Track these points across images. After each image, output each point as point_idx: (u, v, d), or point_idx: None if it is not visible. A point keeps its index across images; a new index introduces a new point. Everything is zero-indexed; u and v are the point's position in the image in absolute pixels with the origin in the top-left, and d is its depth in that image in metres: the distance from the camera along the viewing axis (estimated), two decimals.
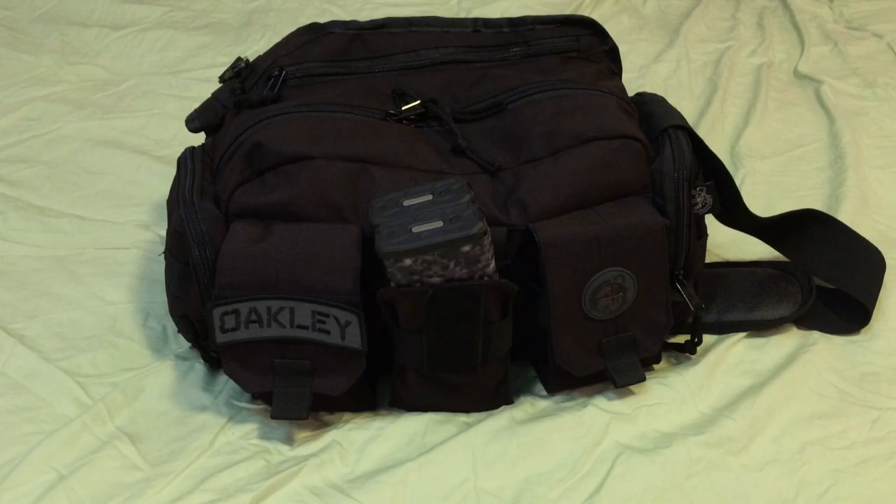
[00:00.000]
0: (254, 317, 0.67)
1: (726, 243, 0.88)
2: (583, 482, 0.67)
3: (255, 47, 1.28)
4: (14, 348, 0.80)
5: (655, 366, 0.76)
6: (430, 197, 0.66)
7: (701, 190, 0.73)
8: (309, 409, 0.68)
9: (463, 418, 0.73)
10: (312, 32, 0.82)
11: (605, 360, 0.71)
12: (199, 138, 0.83)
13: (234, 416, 0.74)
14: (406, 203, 0.66)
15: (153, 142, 1.10)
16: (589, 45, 0.83)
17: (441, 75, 0.80)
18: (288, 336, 0.67)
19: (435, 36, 0.82)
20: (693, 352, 0.77)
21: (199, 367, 0.78)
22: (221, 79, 0.81)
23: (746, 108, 1.14)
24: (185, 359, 0.79)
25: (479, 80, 0.79)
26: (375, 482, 0.68)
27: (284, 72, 0.79)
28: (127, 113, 1.15)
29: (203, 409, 0.74)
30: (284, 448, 0.71)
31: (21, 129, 1.12)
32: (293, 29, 0.82)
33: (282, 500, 0.67)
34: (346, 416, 0.73)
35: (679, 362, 0.77)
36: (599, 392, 0.74)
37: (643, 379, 0.72)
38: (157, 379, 0.77)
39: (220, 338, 0.67)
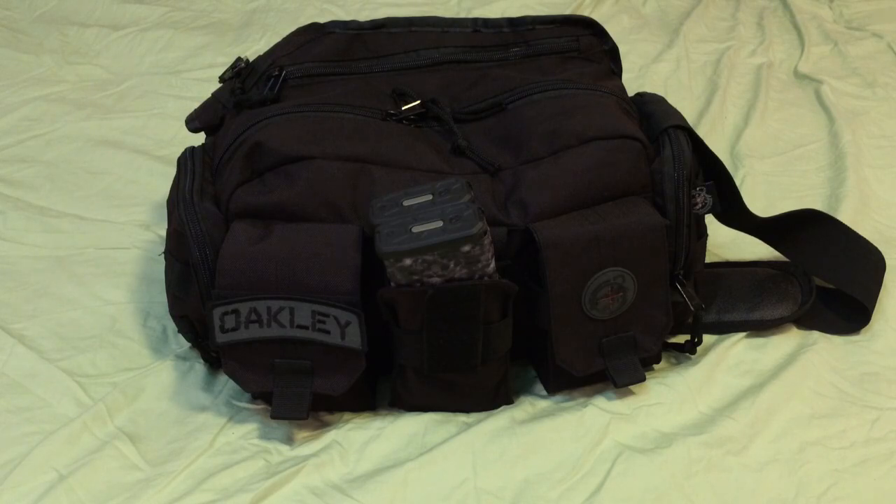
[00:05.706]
0: (254, 317, 0.67)
1: (726, 243, 0.88)
2: (583, 482, 0.67)
3: (255, 47, 1.28)
4: (14, 348, 0.80)
5: (655, 366, 0.76)
6: (430, 197, 0.66)
7: (701, 190, 0.73)
8: (309, 409, 0.68)
9: (463, 418, 0.73)
10: (312, 32, 0.82)
11: (605, 360, 0.71)
12: (199, 138, 0.83)
13: (234, 416, 0.74)
14: (406, 203, 0.66)
15: (153, 142, 1.10)
16: (589, 45, 0.83)
17: (441, 75, 0.80)
18: (288, 336, 0.67)
19: (435, 36, 0.82)
20: (693, 352, 0.77)
21: (199, 367, 0.78)
22: (221, 79, 0.82)
23: (746, 108, 1.14)
24: (185, 359, 0.79)
25: (479, 80, 0.80)
26: (375, 482, 0.67)
27: (284, 72, 0.79)
28: (127, 113, 1.16)
29: (203, 409, 0.74)
30: (284, 448, 0.71)
31: (21, 129, 1.12)
32: (293, 29, 0.82)
33: (282, 500, 0.67)
34: (346, 416, 0.73)
35: (679, 362, 0.77)
36: (599, 392, 0.74)
37: (643, 379, 0.72)
38: (157, 379, 0.77)
39: (220, 338, 0.67)
